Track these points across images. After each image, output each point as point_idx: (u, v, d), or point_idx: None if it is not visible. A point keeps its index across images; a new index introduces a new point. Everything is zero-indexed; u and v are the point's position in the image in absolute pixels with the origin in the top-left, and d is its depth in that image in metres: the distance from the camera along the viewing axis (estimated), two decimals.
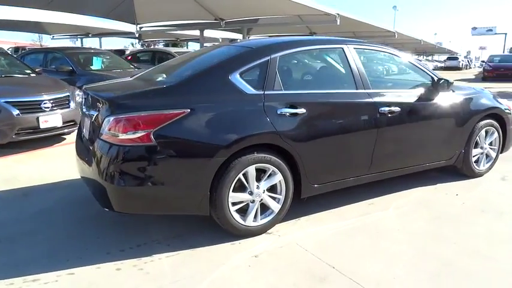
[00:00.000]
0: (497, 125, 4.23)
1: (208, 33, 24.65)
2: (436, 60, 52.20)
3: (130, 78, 3.55)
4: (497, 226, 3.17)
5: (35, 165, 4.84)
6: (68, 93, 5.90)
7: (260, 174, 2.91)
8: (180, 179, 2.66)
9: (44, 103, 5.46)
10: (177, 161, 2.63)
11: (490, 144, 4.28)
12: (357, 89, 3.32)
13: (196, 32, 26.13)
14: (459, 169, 4.15)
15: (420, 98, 3.63)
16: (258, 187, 2.91)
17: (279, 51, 3.06)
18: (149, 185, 2.60)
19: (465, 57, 62.73)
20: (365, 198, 3.67)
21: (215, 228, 2.98)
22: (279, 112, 2.89)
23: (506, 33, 50.18)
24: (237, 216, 2.87)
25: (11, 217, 3.32)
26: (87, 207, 3.52)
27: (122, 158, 2.54)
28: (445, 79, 3.70)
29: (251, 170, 2.84)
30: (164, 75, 3.21)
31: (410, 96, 3.60)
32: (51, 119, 5.50)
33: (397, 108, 3.41)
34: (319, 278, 2.47)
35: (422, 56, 47.22)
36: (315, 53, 3.32)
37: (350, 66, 3.34)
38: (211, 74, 2.83)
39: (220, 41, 26.77)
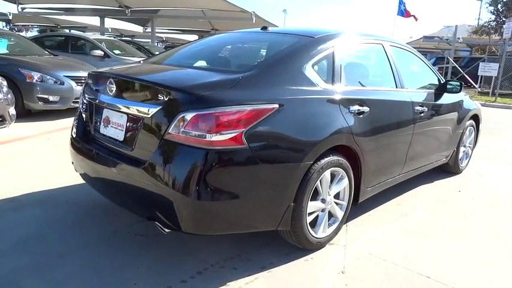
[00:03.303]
0: (475, 124, 4.61)
1: (94, 21, 22.55)
2: None
3: (146, 64, 2.88)
4: None
5: None
6: None
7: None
8: (269, 188, 2.20)
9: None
10: (268, 167, 2.16)
11: (469, 142, 4.64)
12: (396, 87, 3.24)
13: (82, 19, 23.79)
14: (450, 167, 4.40)
15: (437, 99, 3.72)
16: (329, 194, 2.60)
17: (340, 43, 2.78)
18: (237, 197, 2.08)
19: None
20: (388, 199, 3.61)
21: (269, 242, 2.62)
22: (351, 110, 2.62)
23: None
24: (310, 228, 2.52)
25: None
26: (92, 229, 2.75)
27: (207, 165, 1.97)
28: (460, 82, 3.86)
29: (327, 175, 2.52)
30: (205, 63, 2.66)
31: (431, 96, 3.66)
32: None
33: (425, 108, 3.43)
34: None
35: None
36: (366, 47, 3.12)
37: (390, 63, 3.24)
38: (286, 65, 2.41)
39: (110, 30, 24.62)
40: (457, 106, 4.08)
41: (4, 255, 2.35)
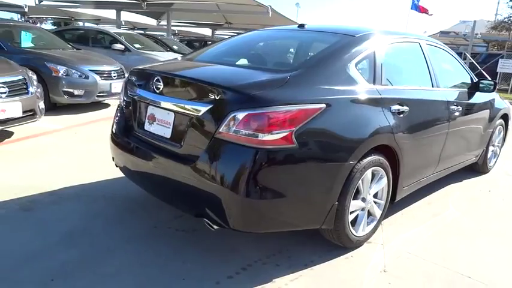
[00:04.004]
0: (504, 123, 4.57)
1: (107, 14, 22.65)
2: None
3: (188, 61, 2.91)
4: None
5: (1, 168, 3.73)
6: (22, 76, 4.70)
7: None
8: (315, 187, 2.23)
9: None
10: (315, 166, 2.19)
11: (498, 141, 4.61)
12: (432, 86, 3.23)
13: (96, 12, 23.93)
14: (479, 166, 4.37)
15: (470, 98, 3.70)
16: (369, 193, 2.62)
17: (380, 41, 2.78)
18: (285, 196, 2.11)
19: None
20: (418, 198, 3.61)
21: (308, 239, 2.65)
22: (392, 110, 2.62)
23: None
24: (351, 227, 2.54)
25: (30, 242, 2.46)
26: (133, 224, 2.81)
27: (258, 163, 2.00)
28: (494, 81, 3.83)
29: (368, 175, 2.53)
30: (246, 61, 2.67)
31: (464, 95, 3.64)
32: (8, 108, 4.31)
33: (459, 108, 3.42)
34: None
35: None
36: (404, 46, 3.11)
37: (426, 62, 3.23)
38: (331, 64, 2.42)
39: (123, 23, 24.70)
40: (489, 105, 4.05)
41: (55, 249, 2.41)
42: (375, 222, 2.76)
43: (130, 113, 2.73)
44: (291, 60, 2.76)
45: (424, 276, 2.42)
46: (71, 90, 6.19)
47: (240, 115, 2.01)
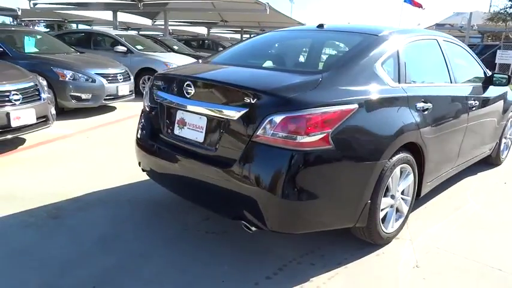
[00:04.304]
0: None
1: (101, 15, 22.48)
2: None
3: (203, 63, 2.92)
4: None
5: (20, 175, 3.73)
6: (34, 82, 4.68)
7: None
8: (350, 187, 2.26)
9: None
10: (351, 166, 2.23)
11: (510, 134, 4.67)
12: (451, 82, 3.27)
13: (90, 14, 23.77)
14: (492, 158, 4.43)
15: (485, 92, 3.74)
16: (397, 190, 2.65)
17: (403, 40, 2.81)
18: (322, 197, 2.14)
19: None
20: (437, 193, 3.65)
21: (337, 238, 2.69)
22: (417, 107, 2.66)
23: None
24: (381, 224, 2.57)
25: (66, 249, 2.47)
26: (162, 227, 2.83)
27: (296, 165, 2.03)
28: (508, 75, 3.87)
29: (397, 172, 2.57)
30: (272, 63, 2.69)
31: (479, 89, 3.68)
32: (23, 115, 4.30)
33: (476, 102, 3.46)
34: (505, 286, 2.36)
35: None
36: (424, 43, 3.14)
37: (444, 58, 3.26)
38: (359, 64, 2.44)
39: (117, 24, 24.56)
40: (502, 98, 4.10)
41: (91, 255, 2.43)
42: (402, 219, 2.80)
43: (157, 118, 2.74)
44: (318, 61, 2.78)
45: (456, 270, 2.46)
46: (78, 94, 6.18)
47: (278, 118, 2.03)
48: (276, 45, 3.20)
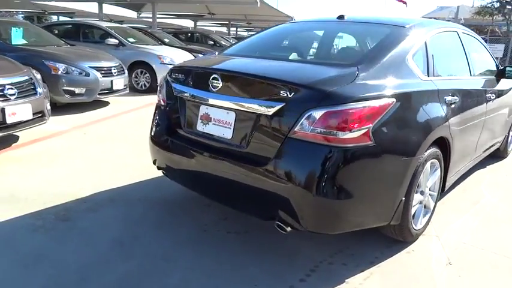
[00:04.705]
0: None
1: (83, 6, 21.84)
2: None
3: (223, 56, 2.78)
4: None
5: (20, 175, 3.52)
6: (29, 76, 4.43)
7: None
8: (387, 184, 2.17)
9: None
10: (390, 162, 2.13)
11: None
12: (470, 75, 3.21)
13: (72, 5, 23.08)
14: (500, 151, 4.42)
15: (498, 84, 3.71)
16: (426, 185, 2.58)
17: (429, 32, 2.73)
18: (362, 195, 2.05)
19: None
20: (452, 187, 3.60)
21: (362, 236, 2.59)
22: (446, 101, 2.58)
23: None
24: (412, 221, 2.50)
25: (82, 254, 2.32)
26: (180, 228, 2.70)
27: (338, 162, 1.92)
28: None
29: (427, 168, 2.49)
30: (297, 55, 2.57)
31: (494, 82, 3.64)
32: (19, 111, 4.06)
33: (493, 95, 3.42)
34: None
35: None
36: (447, 35, 3.05)
37: (465, 51, 3.20)
38: (392, 57, 2.33)
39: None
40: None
41: (111, 260, 2.28)
42: (429, 215, 2.74)
43: (175, 113, 2.58)
44: (348, 53, 2.67)
45: (488, 266, 2.41)
46: (71, 88, 5.93)
47: (318, 113, 1.92)
48: (297, 37, 3.08)
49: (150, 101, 7.33)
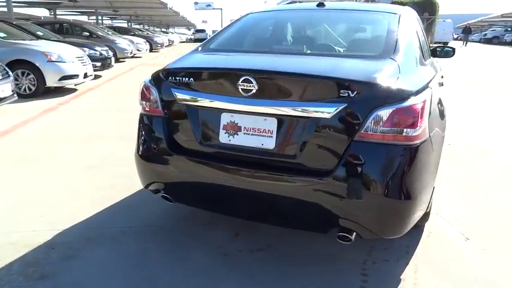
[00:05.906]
0: None
1: None
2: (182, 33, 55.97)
3: (223, 53, 2.44)
4: None
5: None
6: None
7: None
8: (432, 174, 2.16)
9: None
10: (436, 153, 2.12)
11: None
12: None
13: None
14: None
15: None
16: None
17: (415, 19, 2.80)
18: (426, 191, 2.01)
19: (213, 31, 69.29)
20: None
21: None
22: (439, 84, 2.70)
23: (221, 9, 63.58)
24: None
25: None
26: (197, 256, 2.33)
27: (410, 162, 1.81)
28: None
29: None
30: (307, 47, 2.37)
31: None
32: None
33: None
34: None
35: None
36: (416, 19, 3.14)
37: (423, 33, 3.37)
38: (410, 46, 2.29)
39: None
40: None
41: None
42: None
43: (178, 125, 2.15)
44: (366, 43, 2.53)
45: (499, 237, 2.60)
46: None
47: (386, 111, 1.77)
48: (292, 27, 2.82)
49: (47, 106, 6.18)
